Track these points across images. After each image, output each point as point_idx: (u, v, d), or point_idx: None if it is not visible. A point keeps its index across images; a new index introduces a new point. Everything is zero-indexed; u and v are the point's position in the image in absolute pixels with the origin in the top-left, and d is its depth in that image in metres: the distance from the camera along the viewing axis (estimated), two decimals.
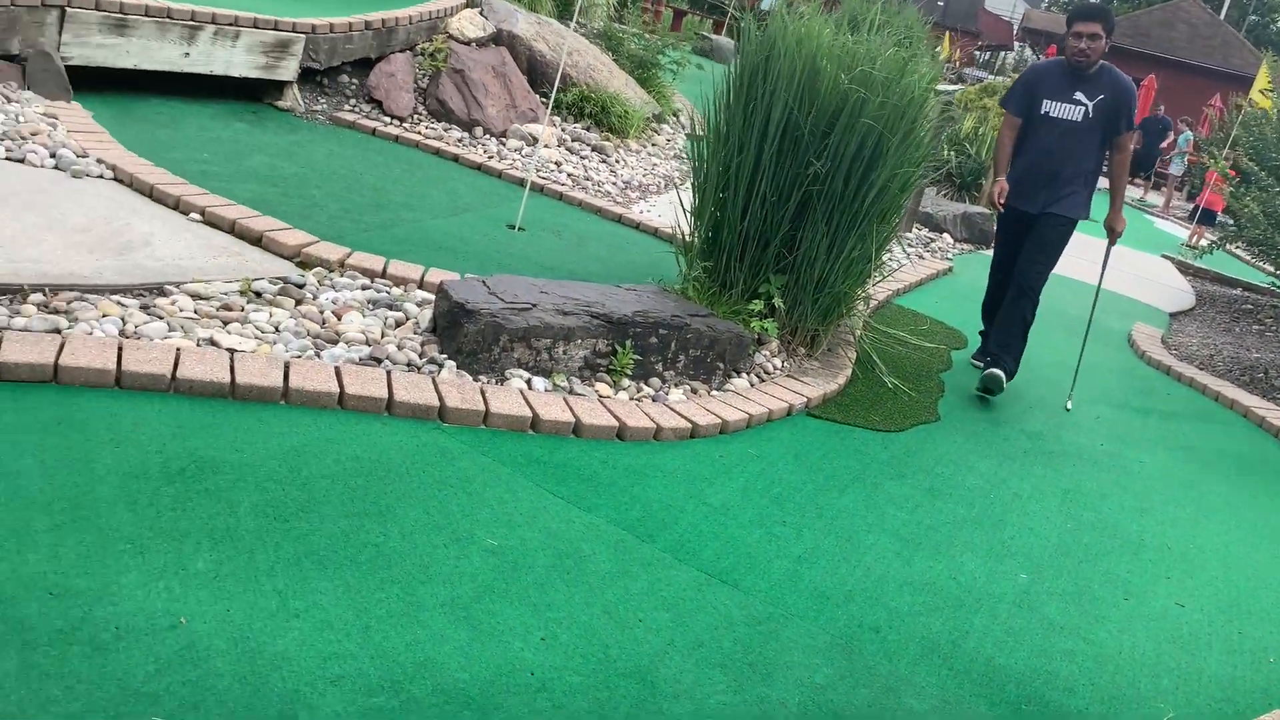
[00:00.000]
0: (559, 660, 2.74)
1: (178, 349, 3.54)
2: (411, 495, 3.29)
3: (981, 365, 6.37)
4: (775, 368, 5.28)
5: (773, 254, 5.36)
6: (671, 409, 4.43)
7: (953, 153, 12.63)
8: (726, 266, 5.45)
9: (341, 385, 3.67)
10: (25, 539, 2.63)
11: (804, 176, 5.20)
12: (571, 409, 4.10)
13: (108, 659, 2.35)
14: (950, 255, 10.26)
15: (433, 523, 3.18)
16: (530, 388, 4.22)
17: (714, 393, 4.81)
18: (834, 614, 3.32)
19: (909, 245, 9.86)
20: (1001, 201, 5.93)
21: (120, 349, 3.43)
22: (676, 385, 4.74)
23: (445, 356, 4.17)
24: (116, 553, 2.68)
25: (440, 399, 3.82)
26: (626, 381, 4.58)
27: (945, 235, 10.99)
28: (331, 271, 4.70)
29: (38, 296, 3.69)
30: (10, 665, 2.25)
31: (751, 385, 4.99)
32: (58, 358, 3.29)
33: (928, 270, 8.97)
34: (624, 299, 4.81)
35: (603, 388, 4.45)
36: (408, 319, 4.44)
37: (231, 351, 3.66)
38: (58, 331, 3.48)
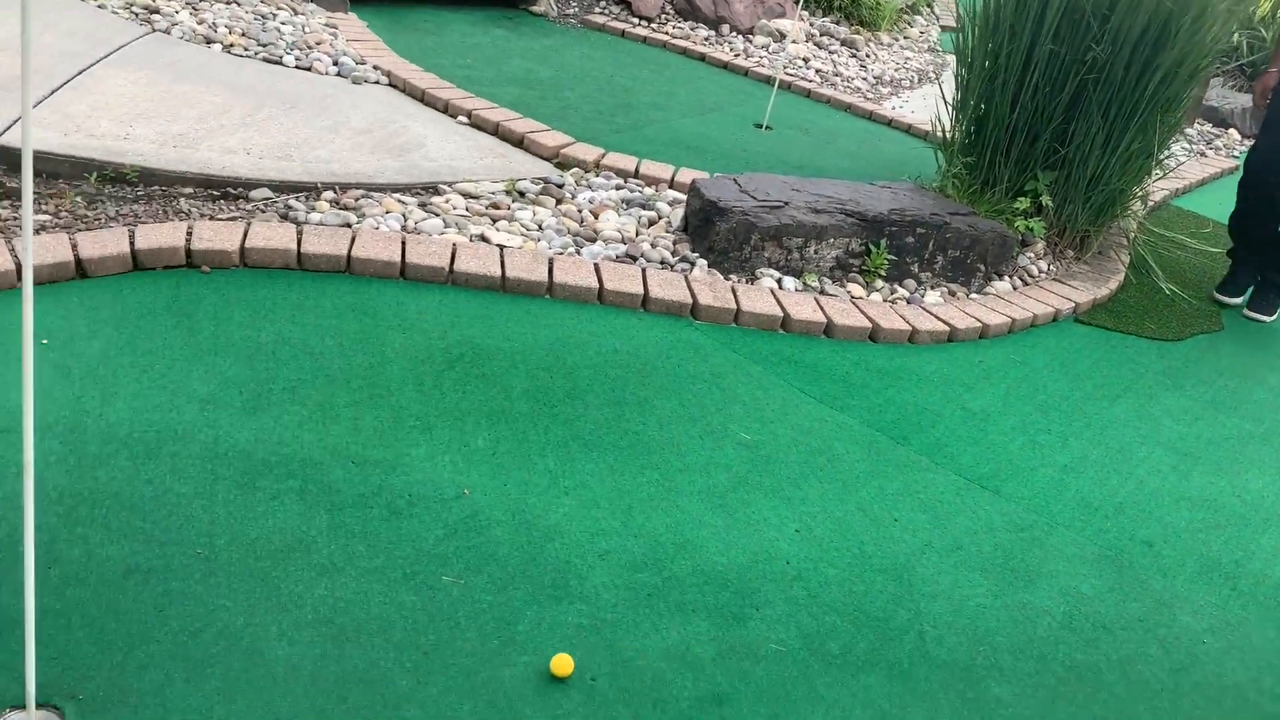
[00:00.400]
0: (814, 552, 2.77)
1: (453, 244, 3.76)
2: (667, 388, 3.38)
3: (1237, 303, 5.39)
4: (1040, 271, 4.99)
5: (1042, 149, 5.03)
6: (928, 311, 4.29)
7: (1244, 38, 11.30)
8: (990, 163, 5.16)
9: (600, 281, 3.79)
10: (330, 413, 2.90)
11: (1080, 64, 4.81)
12: (823, 309, 4.06)
13: (402, 523, 2.58)
14: (1236, 153, 9.27)
15: (688, 415, 3.26)
16: (780, 287, 4.19)
17: (973, 296, 4.62)
18: (1102, 525, 3.17)
19: (1190, 142, 8.98)
20: (1264, 100, 5.18)
21: (404, 243, 3.68)
22: (933, 287, 4.58)
23: (697, 255, 4.21)
24: (407, 429, 2.91)
25: (693, 296, 3.87)
26: (880, 283, 4.47)
27: (1231, 131, 9.91)
28: (588, 172, 4.82)
29: (330, 194, 4.00)
30: (321, 524, 2.52)
31: (1014, 289, 4.75)
32: (350, 250, 3.57)
33: (1211, 169, 8.15)
34: (878, 197, 4.67)
35: (855, 288, 4.36)
36: (660, 218, 4.50)
37: (500, 247, 3.84)
38: (348, 226, 3.77)
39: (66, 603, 2.15)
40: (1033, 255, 5.04)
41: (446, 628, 2.29)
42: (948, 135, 5.51)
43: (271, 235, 3.51)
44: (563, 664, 2.23)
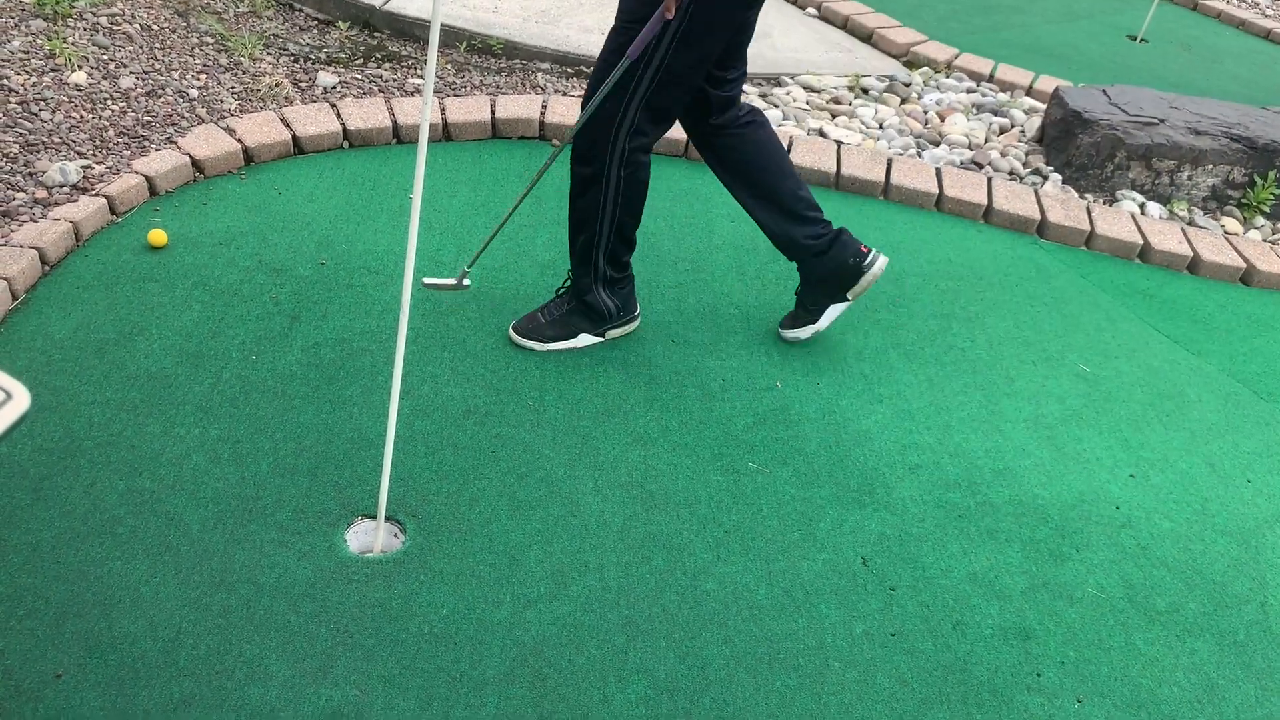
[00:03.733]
0: (1149, 501, 2.54)
1: (790, 136, 3.69)
2: (1002, 306, 3.18)
3: None
4: None
5: None
6: None
7: None
8: None
9: (941, 187, 3.59)
10: (655, 290, 2.97)
11: None
12: (1190, 242, 3.64)
13: (714, 405, 2.61)
14: None
15: (1022, 337, 3.06)
16: (1143, 213, 3.80)
17: None
18: None
19: None
20: None
21: None
22: None
23: (1051, 168, 3.89)
24: (726, 315, 2.93)
25: (1041, 212, 3.59)
26: (1261, 220, 3.94)
27: None
28: (938, 72, 4.55)
29: None
30: (639, 395, 2.60)
31: None
32: None
33: None
34: (1273, 123, 4.09)
35: (1230, 223, 3.88)
36: (1013, 126, 4.18)
37: (838, 143, 3.73)
38: None
39: (414, 432, 2.37)
40: None
41: (749, 512, 2.31)
42: None
43: None
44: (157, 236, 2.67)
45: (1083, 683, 2.06)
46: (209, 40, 3.71)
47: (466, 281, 2.69)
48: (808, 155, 3.60)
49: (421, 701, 1.82)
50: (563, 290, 2.73)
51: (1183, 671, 2.13)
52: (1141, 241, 3.58)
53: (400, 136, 3.39)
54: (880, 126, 3.97)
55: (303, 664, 1.84)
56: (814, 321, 2.81)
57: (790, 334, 2.84)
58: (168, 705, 1.74)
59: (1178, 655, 2.16)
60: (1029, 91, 4.52)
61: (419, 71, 3.78)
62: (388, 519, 2.15)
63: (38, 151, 2.95)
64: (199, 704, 1.75)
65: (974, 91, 4.43)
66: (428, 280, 2.67)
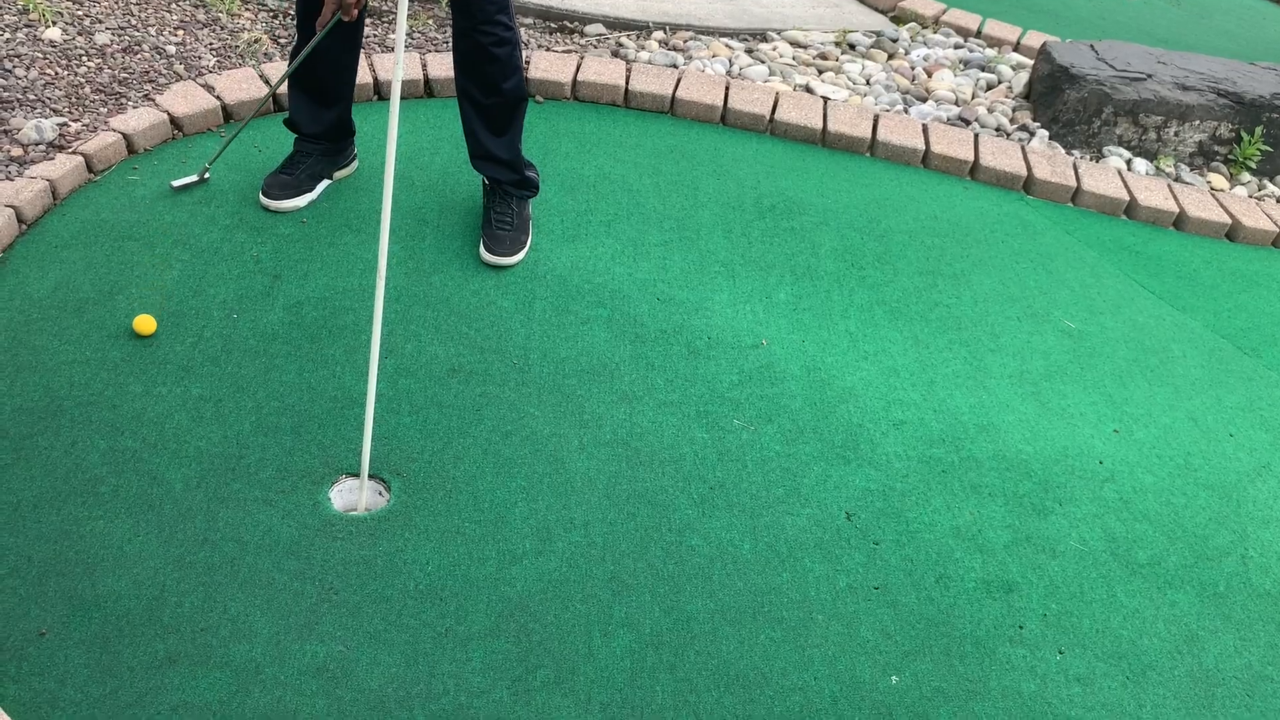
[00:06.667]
0: (1132, 456, 2.55)
1: (776, 92, 3.66)
2: (987, 263, 3.17)
3: None
4: None
5: None
6: None
7: None
8: None
9: (928, 143, 3.57)
10: (641, 250, 2.95)
11: None
12: (1176, 198, 3.63)
13: (700, 362, 2.60)
14: None
15: (1007, 294, 3.05)
16: (1129, 169, 3.79)
17: None
18: None
19: None
20: None
21: (727, 88, 3.62)
22: None
23: (1038, 124, 3.87)
24: (711, 273, 2.92)
25: (1028, 168, 3.57)
26: (1247, 176, 3.93)
27: None
28: (925, 28, 4.51)
29: (660, 34, 3.99)
30: (625, 353, 2.59)
31: None
32: (674, 91, 3.55)
33: None
34: (1261, 79, 4.07)
35: (1216, 179, 3.87)
36: (1000, 82, 4.16)
37: (824, 99, 3.70)
38: (674, 67, 3.75)
39: (398, 391, 2.36)
40: None
41: (734, 469, 2.32)
42: None
43: (603, 70, 3.55)
44: (144, 324, 2.35)
45: (1065, 635, 2.08)
46: None
47: (208, 175, 2.85)
48: (794, 111, 3.57)
49: (407, 656, 1.82)
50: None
51: (1163, 623, 2.15)
52: (1128, 198, 3.57)
53: (380, 93, 3.35)
54: (867, 82, 3.94)
55: (287, 620, 1.84)
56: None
57: None
58: (152, 663, 1.74)
59: (1159, 607, 2.18)
60: (1017, 47, 4.48)
61: None
62: (372, 477, 2.15)
63: (12, 108, 2.91)
64: (184, 660, 1.75)
65: (961, 47, 4.40)
66: (175, 182, 2.81)
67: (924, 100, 3.91)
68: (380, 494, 2.14)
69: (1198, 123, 3.86)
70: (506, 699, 1.79)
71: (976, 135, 3.69)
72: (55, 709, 1.65)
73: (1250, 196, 3.84)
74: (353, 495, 2.12)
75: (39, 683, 1.68)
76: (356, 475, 2.13)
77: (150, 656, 1.75)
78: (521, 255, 2.80)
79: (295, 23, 2.93)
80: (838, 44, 4.20)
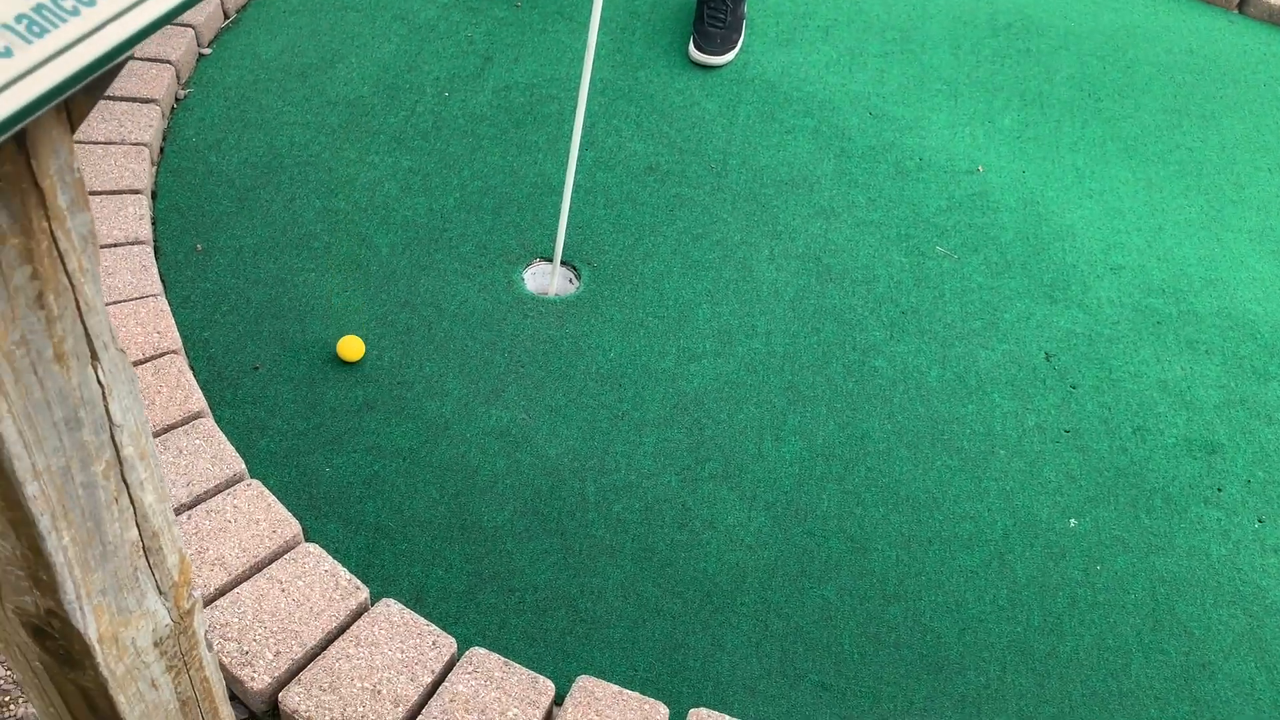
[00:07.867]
0: None
1: None
2: (1242, 107, 2.85)
3: None
4: None
5: None
6: None
7: None
8: None
9: None
10: (858, 60, 2.80)
11: None
12: None
13: (907, 184, 2.48)
14: None
15: (1260, 142, 2.75)
16: None
17: None
18: None
19: None
20: None
21: None
22: None
23: None
24: (931, 91, 2.74)
25: None
26: None
27: None
28: None
29: None
30: (828, 167, 2.49)
31: None
32: None
33: None
34: None
35: None
36: None
37: None
38: None
39: (595, 184, 2.36)
40: None
41: (930, 296, 2.23)
42: None
43: None
44: (350, 348, 1.92)
45: (1268, 504, 1.95)
46: None
47: None
48: None
49: (584, 432, 1.88)
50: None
51: None
52: None
53: None
54: None
55: (476, 385, 1.93)
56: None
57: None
58: (352, 406, 1.86)
59: None
60: None
61: None
62: (564, 264, 2.18)
63: None
64: (380, 409, 1.87)
65: None
66: None
67: None
68: (571, 281, 2.17)
69: None
70: (675, 484, 1.83)
71: None
72: (264, 435, 1.80)
73: None
74: (545, 279, 2.16)
75: (251, 411, 1.84)
76: (550, 260, 2.17)
77: (351, 401, 1.87)
78: (731, 55, 2.70)
79: None
80: None
